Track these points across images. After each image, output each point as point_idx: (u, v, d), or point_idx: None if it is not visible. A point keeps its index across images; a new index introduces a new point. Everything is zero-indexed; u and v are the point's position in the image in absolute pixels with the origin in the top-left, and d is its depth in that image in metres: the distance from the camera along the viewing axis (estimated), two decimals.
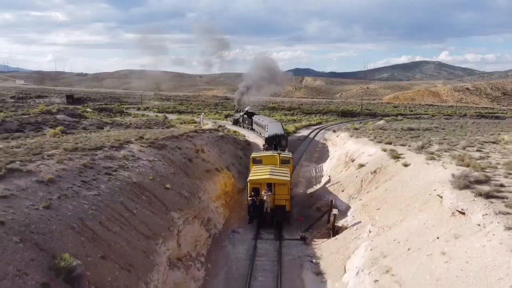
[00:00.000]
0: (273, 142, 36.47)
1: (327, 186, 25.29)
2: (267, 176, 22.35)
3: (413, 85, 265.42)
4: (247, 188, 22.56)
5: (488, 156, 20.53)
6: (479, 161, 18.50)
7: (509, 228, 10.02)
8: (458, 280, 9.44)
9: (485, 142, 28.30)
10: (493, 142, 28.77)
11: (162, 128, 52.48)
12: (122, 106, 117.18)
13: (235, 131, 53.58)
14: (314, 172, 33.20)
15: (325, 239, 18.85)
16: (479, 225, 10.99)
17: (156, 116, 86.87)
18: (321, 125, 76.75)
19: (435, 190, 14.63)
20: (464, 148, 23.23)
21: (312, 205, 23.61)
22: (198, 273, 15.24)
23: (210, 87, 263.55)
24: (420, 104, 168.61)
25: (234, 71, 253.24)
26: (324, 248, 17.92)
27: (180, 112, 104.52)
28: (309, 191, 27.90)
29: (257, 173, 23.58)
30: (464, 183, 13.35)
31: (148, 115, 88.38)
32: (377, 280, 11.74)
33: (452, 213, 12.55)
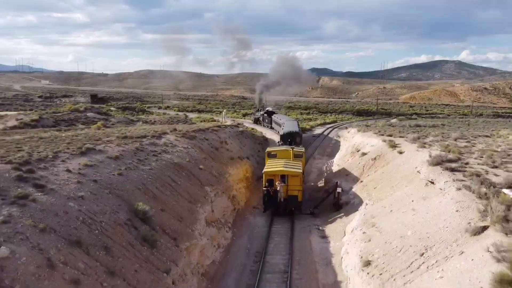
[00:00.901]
0: (288, 139, 37.51)
1: (334, 172, 28.98)
2: (281, 168, 23.92)
3: (430, 85, 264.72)
4: (263, 179, 24.35)
5: (473, 146, 23.87)
6: (462, 148, 21.94)
7: (459, 189, 13.61)
8: (418, 224, 13.12)
9: (479, 135, 31.49)
10: (487, 136, 31.93)
11: (188, 125, 56.83)
12: (144, 105, 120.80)
13: (252, 128, 57.32)
14: (325, 164, 36.82)
15: (330, 213, 22.60)
16: (441, 189, 14.61)
17: (177, 114, 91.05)
18: (336, 124, 79.60)
19: (416, 168, 18.25)
20: (455, 140, 26.58)
21: (321, 189, 27.30)
22: (226, 234, 19.22)
23: (227, 87, 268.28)
24: (436, 104, 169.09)
25: (251, 71, 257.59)
26: (329, 219, 21.71)
27: (199, 111, 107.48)
28: (319, 177, 31.59)
29: (272, 166, 25.11)
30: (436, 162, 16.95)
31: (169, 114, 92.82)
32: (365, 232, 15.46)
33: (426, 184, 16.17)
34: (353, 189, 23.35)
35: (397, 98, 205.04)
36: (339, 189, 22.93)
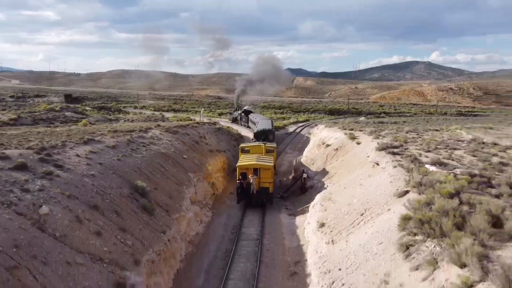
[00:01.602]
0: (262, 137, 38.51)
1: (302, 162, 32.45)
2: (254, 162, 25.41)
3: (400, 85, 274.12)
4: (236, 173, 25.80)
5: (420, 137, 27.79)
6: (409, 139, 25.76)
7: (395, 167, 17.18)
8: (362, 194, 16.60)
9: (430, 130, 35.69)
10: (436, 130, 36.18)
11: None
12: (119, 105, 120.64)
13: (228, 127, 60.12)
14: (296, 157, 40.31)
15: (298, 196, 25.99)
16: (382, 167, 18.18)
17: (153, 114, 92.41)
18: (308, 122, 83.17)
19: (367, 154, 21.86)
20: (407, 133, 30.54)
21: (289, 173, 30.69)
22: (207, 213, 22.30)
23: (203, 87, 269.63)
24: (405, 103, 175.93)
25: (226, 71, 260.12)
26: (296, 200, 25.11)
27: (175, 111, 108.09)
28: (290, 169, 35.00)
29: (245, 160, 26.65)
30: (382, 147, 20.60)
31: (145, 113, 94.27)
32: (322, 205, 18.89)
33: (373, 165, 19.73)
34: (318, 175, 26.83)
35: (368, 98, 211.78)
36: (304, 175, 26.41)
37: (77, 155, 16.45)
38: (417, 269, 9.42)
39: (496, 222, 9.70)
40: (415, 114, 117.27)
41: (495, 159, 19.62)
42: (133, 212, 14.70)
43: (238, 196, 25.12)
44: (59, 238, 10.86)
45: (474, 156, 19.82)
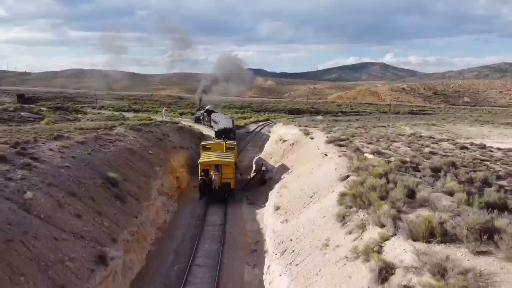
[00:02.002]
0: (223, 135, 38.84)
1: (262, 157, 34.64)
2: (215, 159, 26.17)
3: (356, 86, 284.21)
4: (198, 170, 26.43)
5: (367, 132, 30.71)
6: (357, 134, 28.53)
7: (340, 156, 19.65)
8: (313, 181, 18.92)
9: (377, 126, 38.98)
10: (383, 126, 39.56)
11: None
12: (77, 105, 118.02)
13: (190, 126, 61.27)
14: (256, 153, 42.46)
15: (258, 188, 28.09)
16: (330, 158, 20.62)
17: (113, 114, 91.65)
18: (268, 121, 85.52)
19: (318, 146, 24.31)
20: (356, 128, 33.47)
21: (250, 171, 32.77)
22: (174, 203, 23.93)
23: (163, 87, 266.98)
24: (361, 103, 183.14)
25: (186, 71, 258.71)
26: (256, 191, 27.23)
27: (135, 111, 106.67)
28: (251, 164, 37.09)
29: (207, 157, 27.31)
30: (330, 141, 23.13)
31: (104, 113, 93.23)
32: (278, 192, 21.09)
33: (322, 156, 22.16)
34: (276, 168, 29.08)
35: (326, 98, 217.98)
36: (264, 168, 28.55)
37: (51, 150, 17.62)
38: (350, 233, 11.70)
39: (412, 194, 12.16)
40: (370, 113, 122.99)
41: (426, 149, 22.64)
42: (107, 199, 16.18)
43: (200, 192, 25.86)
44: (44, 219, 12.27)
45: (409, 147, 22.75)
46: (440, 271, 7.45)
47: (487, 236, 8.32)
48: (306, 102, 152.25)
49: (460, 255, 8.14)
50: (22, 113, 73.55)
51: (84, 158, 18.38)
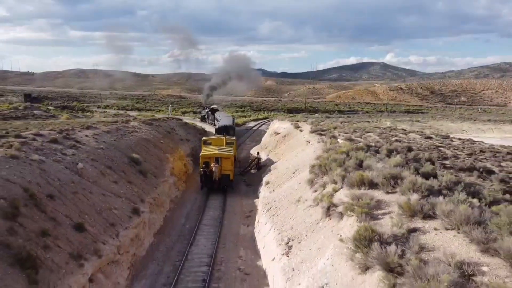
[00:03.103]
0: (223, 132, 39.70)
1: (257, 147, 39.19)
2: (216, 152, 27.86)
3: (355, 85, 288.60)
4: (200, 162, 28.05)
5: (349, 125, 35.22)
6: (340, 127, 33.05)
7: (318, 142, 24.16)
8: (296, 161, 23.44)
9: (362, 121, 43.49)
10: (367, 121, 44.09)
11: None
12: (82, 104, 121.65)
13: (192, 123, 65.34)
14: (254, 147, 47.04)
15: (254, 173, 32.63)
16: (311, 144, 25.14)
17: (118, 113, 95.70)
18: (267, 120, 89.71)
19: (304, 136, 28.86)
20: (341, 123, 37.99)
21: (248, 159, 37.35)
22: (183, 184, 28.45)
23: (164, 87, 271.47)
24: (358, 102, 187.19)
25: (187, 70, 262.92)
26: (253, 175, 31.74)
27: (139, 110, 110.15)
28: (247, 155, 41.68)
29: (207, 150, 29.01)
30: (313, 131, 27.65)
31: (110, 112, 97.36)
32: (270, 170, 25.61)
33: (306, 143, 26.69)
34: (269, 156, 33.64)
35: (324, 97, 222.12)
36: (259, 156, 33.10)
37: (86, 136, 22.21)
38: (315, 191, 16.21)
39: (361, 163, 16.66)
40: (367, 112, 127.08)
41: (393, 138, 27.17)
42: (133, 173, 20.75)
43: (202, 183, 27.44)
44: (93, 182, 16.84)
45: (379, 136, 27.26)
46: (359, 199, 11.95)
47: (394, 181, 12.83)
48: (305, 101, 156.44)
49: (377, 194, 12.64)
50: (35, 111, 78.50)
51: (112, 143, 22.96)
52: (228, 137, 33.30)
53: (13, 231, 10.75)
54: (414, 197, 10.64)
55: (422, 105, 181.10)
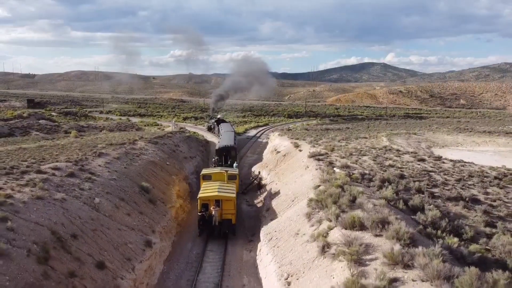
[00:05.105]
0: (223, 153, 38.17)
1: (259, 165, 40.77)
2: (216, 193, 24.46)
3: (355, 88, 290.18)
4: (198, 204, 24.69)
5: (347, 145, 36.76)
6: (337, 147, 34.59)
7: (317, 169, 25.70)
8: (295, 187, 25.00)
9: (360, 137, 45.02)
10: (365, 137, 45.61)
11: (136, 130, 65.80)
12: (84, 109, 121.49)
13: (194, 132, 66.23)
14: (255, 160, 48.60)
15: (255, 192, 34.20)
16: (310, 170, 26.70)
17: (120, 119, 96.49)
18: (268, 126, 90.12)
19: (302, 159, 30.42)
20: (339, 141, 39.51)
21: (249, 176, 38.94)
22: (188, 204, 30.04)
23: (166, 90, 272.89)
24: (358, 106, 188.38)
25: (187, 72, 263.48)
26: (253, 195, 33.31)
27: (141, 115, 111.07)
28: (250, 170, 43.28)
29: (207, 190, 25.57)
30: (311, 155, 29.20)
31: (112, 119, 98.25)
32: (271, 194, 27.15)
33: (305, 168, 28.25)
34: (269, 176, 35.20)
35: (325, 100, 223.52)
36: (260, 175, 34.68)
37: (99, 165, 23.79)
38: (312, 226, 17.75)
39: (354, 199, 18.22)
40: (366, 116, 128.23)
41: (388, 162, 28.74)
42: (144, 203, 22.33)
43: (199, 229, 24.11)
44: (109, 217, 18.41)
45: (374, 160, 28.82)
46: (350, 243, 13.50)
47: (382, 226, 14.39)
48: (305, 105, 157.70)
49: (366, 236, 14.19)
50: (40, 121, 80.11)
51: (123, 171, 24.54)
52: (230, 171, 30.36)
53: (47, 275, 12.31)
54: (397, 247, 12.19)
55: (421, 109, 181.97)
